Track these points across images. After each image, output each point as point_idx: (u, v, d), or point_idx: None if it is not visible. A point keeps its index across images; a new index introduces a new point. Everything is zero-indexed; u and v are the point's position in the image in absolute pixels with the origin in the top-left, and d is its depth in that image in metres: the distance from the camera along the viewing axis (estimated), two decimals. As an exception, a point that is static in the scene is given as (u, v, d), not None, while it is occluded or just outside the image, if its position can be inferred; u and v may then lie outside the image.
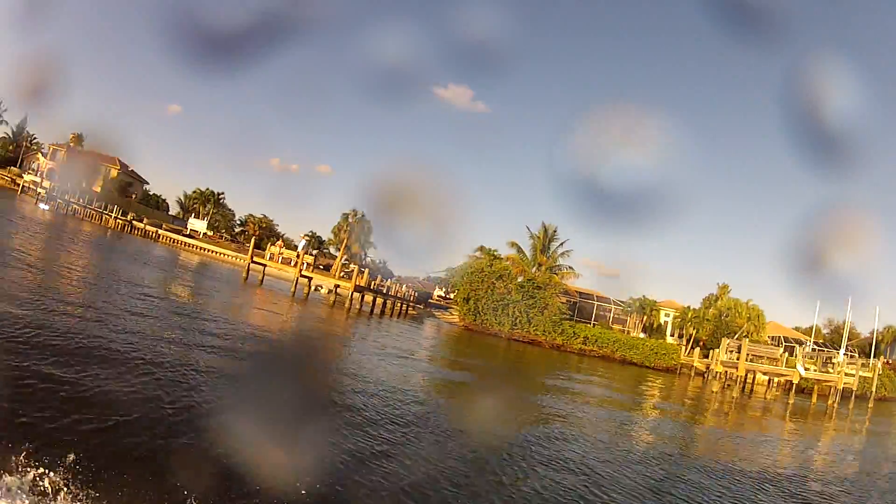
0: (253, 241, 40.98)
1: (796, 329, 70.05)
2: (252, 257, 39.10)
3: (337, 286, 39.17)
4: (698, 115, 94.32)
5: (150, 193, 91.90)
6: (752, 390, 41.86)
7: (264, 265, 40.00)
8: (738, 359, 42.27)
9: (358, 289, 38.36)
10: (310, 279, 39.29)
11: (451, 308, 58.46)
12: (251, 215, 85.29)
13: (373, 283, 43.66)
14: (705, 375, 47.31)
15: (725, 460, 14.98)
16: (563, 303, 53.90)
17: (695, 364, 49.07)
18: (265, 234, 75.54)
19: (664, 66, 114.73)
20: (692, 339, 58.48)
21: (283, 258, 40.20)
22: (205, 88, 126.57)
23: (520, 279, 53.72)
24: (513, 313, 52.16)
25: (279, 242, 40.12)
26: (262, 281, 39.35)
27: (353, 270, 41.20)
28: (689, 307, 63.86)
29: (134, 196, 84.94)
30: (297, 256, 38.89)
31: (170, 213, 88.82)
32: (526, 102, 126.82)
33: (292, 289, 37.12)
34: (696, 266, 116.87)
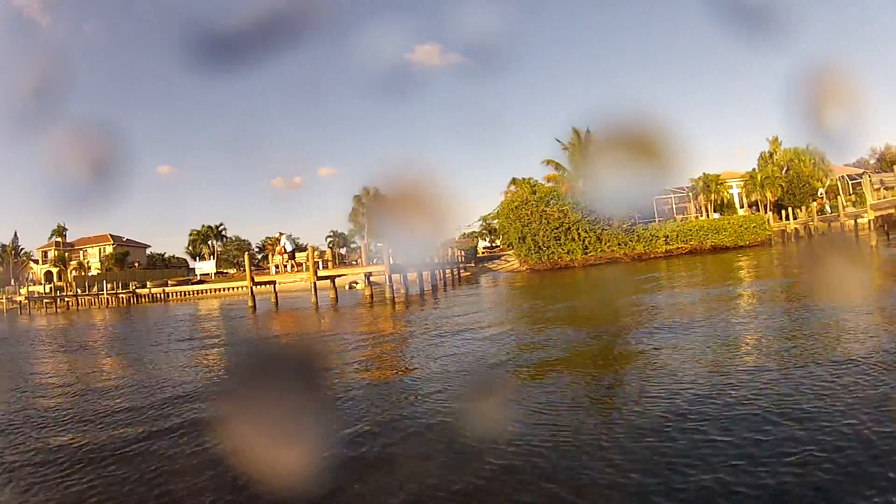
0: (248, 259, 29.92)
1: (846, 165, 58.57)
2: (252, 279, 28.27)
3: (369, 275, 28.10)
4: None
5: (156, 254, 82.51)
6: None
7: (273, 282, 29.31)
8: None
9: (395, 268, 27.42)
10: (333, 278, 28.51)
11: (505, 255, 47.52)
12: (268, 238, 74.76)
13: (411, 257, 32.69)
14: (799, 236, 39.64)
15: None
16: (626, 206, 43.04)
17: (791, 228, 41.40)
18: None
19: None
20: (768, 205, 49.69)
21: (293, 265, 29.18)
22: (192, 147, 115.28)
23: (570, 198, 42.68)
24: (580, 236, 41.33)
25: (280, 248, 28.62)
26: (276, 303, 28.68)
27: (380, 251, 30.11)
28: (754, 170, 53.76)
29: (137, 264, 75.45)
30: (287, 257, 28.17)
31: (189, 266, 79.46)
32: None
33: (313, 299, 26.24)
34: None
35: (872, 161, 61.84)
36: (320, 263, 28.35)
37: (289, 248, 28.35)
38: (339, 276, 31.50)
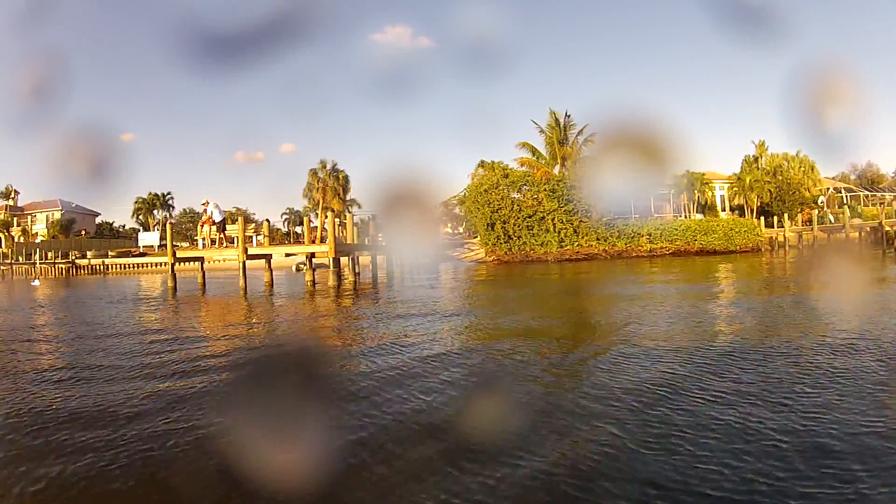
0: (169, 230, 24.22)
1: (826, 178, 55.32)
2: (174, 255, 22.70)
3: (312, 255, 22.68)
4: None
5: (105, 223, 75.30)
6: None
7: (200, 258, 23.80)
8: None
9: (343, 250, 22.17)
10: (268, 258, 23.02)
11: (469, 243, 42.49)
12: (227, 212, 68.06)
13: (367, 239, 27.34)
14: (785, 246, 37.33)
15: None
16: (604, 199, 38.13)
17: (782, 236, 38.65)
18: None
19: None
20: (755, 210, 46.42)
21: (221, 239, 23.55)
22: (154, 114, 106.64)
23: (546, 185, 37.73)
24: (556, 227, 36.50)
25: (207, 218, 22.97)
26: (203, 283, 23.23)
27: (328, 230, 24.62)
28: (742, 173, 49.55)
29: (84, 232, 68.44)
30: (215, 229, 22.69)
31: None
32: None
33: (241, 282, 20.74)
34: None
35: (853, 177, 58.75)
36: (254, 239, 22.94)
37: (217, 218, 22.65)
38: (287, 254, 26.21)
